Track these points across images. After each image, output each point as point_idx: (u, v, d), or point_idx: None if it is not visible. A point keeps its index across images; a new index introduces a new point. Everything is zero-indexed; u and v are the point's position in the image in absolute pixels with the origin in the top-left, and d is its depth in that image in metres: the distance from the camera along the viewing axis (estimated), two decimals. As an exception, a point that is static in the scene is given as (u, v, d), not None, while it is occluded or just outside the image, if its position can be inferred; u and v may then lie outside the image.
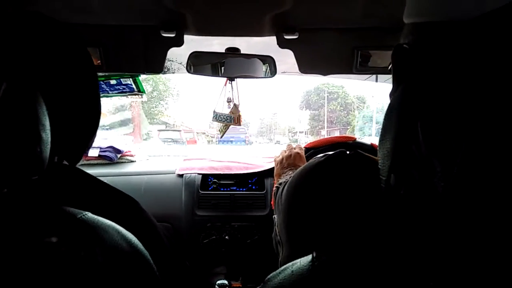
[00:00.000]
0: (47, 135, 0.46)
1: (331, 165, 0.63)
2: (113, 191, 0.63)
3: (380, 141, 0.43)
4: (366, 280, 0.37)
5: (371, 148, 1.31)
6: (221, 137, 1.51)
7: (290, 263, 0.46)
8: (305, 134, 44.79)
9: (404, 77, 0.43)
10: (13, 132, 0.42)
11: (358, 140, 1.34)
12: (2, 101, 0.41)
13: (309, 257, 0.43)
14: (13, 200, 0.45)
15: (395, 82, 0.47)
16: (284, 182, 0.82)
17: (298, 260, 0.45)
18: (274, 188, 0.99)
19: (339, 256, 0.42)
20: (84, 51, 0.60)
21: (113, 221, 0.49)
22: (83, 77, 0.60)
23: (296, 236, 0.67)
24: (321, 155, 0.68)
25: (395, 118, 0.40)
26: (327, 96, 39.38)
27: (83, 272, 0.41)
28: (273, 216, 0.95)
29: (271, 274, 0.47)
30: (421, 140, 0.35)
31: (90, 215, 0.47)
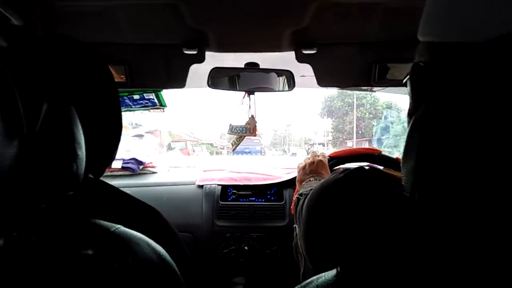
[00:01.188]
0: (82, 152, 0.49)
1: (349, 182, 0.63)
2: (137, 202, 0.66)
3: (403, 158, 0.43)
4: None
5: (396, 162, 1.30)
6: (233, 150, 1.53)
7: (315, 277, 0.47)
8: (325, 145, 40.61)
9: (423, 95, 0.43)
10: (52, 150, 0.44)
11: (383, 153, 1.33)
12: (44, 121, 0.43)
13: (334, 271, 0.45)
14: (51, 215, 0.47)
15: (413, 100, 0.48)
16: (305, 194, 0.83)
17: (323, 274, 0.46)
18: (295, 198, 1.00)
19: (362, 270, 0.43)
20: (106, 69, 0.63)
21: (140, 232, 0.51)
22: (106, 93, 0.63)
23: (316, 250, 0.68)
24: (341, 170, 0.68)
25: (418, 137, 0.41)
26: (355, 102, 34.65)
27: (117, 283, 0.43)
28: (294, 225, 0.96)
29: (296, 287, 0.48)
30: (444, 159, 0.36)
31: (122, 228, 0.49)
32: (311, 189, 0.78)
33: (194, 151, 20.89)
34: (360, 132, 35.06)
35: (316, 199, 0.70)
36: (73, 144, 0.47)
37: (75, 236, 0.45)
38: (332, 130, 40.16)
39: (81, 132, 0.49)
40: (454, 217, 0.36)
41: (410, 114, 0.48)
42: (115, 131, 0.65)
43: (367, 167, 0.64)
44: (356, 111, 35.19)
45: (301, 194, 0.94)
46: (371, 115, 34.27)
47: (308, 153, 1.32)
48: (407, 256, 0.41)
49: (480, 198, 0.34)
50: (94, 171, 0.64)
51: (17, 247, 0.41)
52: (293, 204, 1.05)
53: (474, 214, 0.35)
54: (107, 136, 0.64)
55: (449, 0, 0.39)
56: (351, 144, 33.12)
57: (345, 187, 0.63)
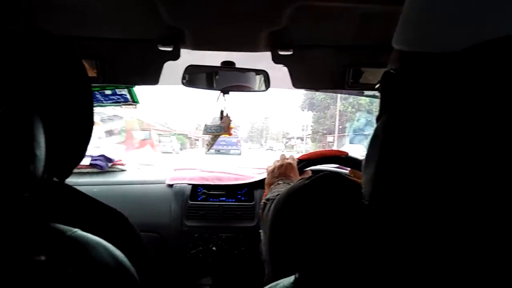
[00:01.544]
0: (41, 152, 0.47)
1: (315, 188, 0.63)
2: (99, 205, 0.64)
3: (364, 166, 0.44)
4: None
5: (361, 163, 1.33)
6: (207, 150, 1.52)
7: (274, 283, 0.48)
8: (304, 140, 38.02)
9: (389, 103, 0.44)
10: (6, 150, 0.43)
11: (350, 155, 1.36)
12: (0, 118, 0.42)
13: (292, 278, 0.45)
14: (3, 217, 0.45)
15: (380, 107, 0.48)
16: (272, 199, 0.84)
17: (281, 281, 0.47)
18: (262, 203, 1.00)
19: (319, 277, 0.43)
20: (78, 64, 0.60)
21: (100, 236, 0.50)
22: (78, 90, 0.60)
23: (279, 256, 0.68)
24: (307, 177, 0.69)
25: (378, 145, 0.41)
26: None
27: None
28: (260, 230, 0.96)
29: None
30: (401, 168, 0.36)
31: (79, 232, 0.48)
32: (278, 195, 0.78)
33: (160, 142, 19.93)
34: (341, 127, 33.00)
35: (282, 204, 0.71)
36: (31, 143, 0.45)
37: (28, 241, 0.44)
38: (313, 124, 36.87)
39: (41, 131, 0.47)
40: (408, 225, 0.37)
41: (377, 120, 0.49)
42: (85, 130, 0.63)
43: (334, 171, 0.64)
44: (340, 103, 32.93)
45: (268, 199, 0.94)
46: (353, 109, 31.92)
47: (285, 147, 1.33)
48: (363, 263, 0.42)
49: (434, 208, 0.34)
50: (59, 173, 0.61)
51: None
52: (261, 208, 1.05)
53: (427, 223, 0.35)
54: (76, 136, 0.61)
55: (423, 11, 0.40)
56: (331, 139, 31.92)
57: (310, 194, 0.64)
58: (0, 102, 0.42)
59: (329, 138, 33.01)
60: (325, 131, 35.50)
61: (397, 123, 0.38)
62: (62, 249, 0.44)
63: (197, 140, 34.10)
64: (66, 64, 0.58)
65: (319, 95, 34.85)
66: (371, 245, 0.42)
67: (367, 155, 0.43)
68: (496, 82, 0.31)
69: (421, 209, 0.35)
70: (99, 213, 0.63)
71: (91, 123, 0.63)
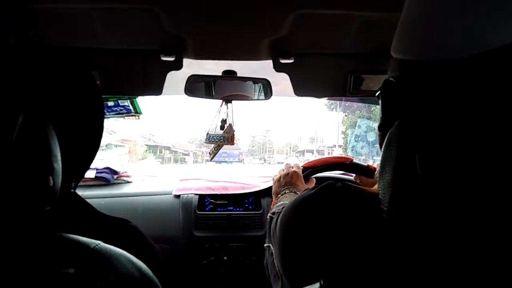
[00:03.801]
0: (58, 165, 0.47)
1: (320, 198, 0.63)
2: (110, 218, 0.64)
3: (380, 172, 0.44)
4: None
5: (367, 169, 1.32)
6: (210, 159, 1.53)
7: None
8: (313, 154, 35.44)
9: (394, 110, 0.45)
10: (27, 165, 0.43)
11: (354, 161, 1.36)
12: (18, 134, 0.41)
13: (317, 285, 0.45)
14: (28, 231, 0.45)
15: (383, 115, 0.49)
16: (277, 212, 0.83)
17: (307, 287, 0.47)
18: (268, 218, 0.99)
19: (346, 282, 0.43)
20: (89, 76, 0.62)
21: (119, 247, 0.50)
22: (89, 101, 0.61)
23: (293, 267, 0.68)
24: (311, 187, 0.69)
25: (394, 150, 0.41)
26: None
27: None
28: (265, 244, 0.95)
29: None
30: (419, 172, 0.37)
31: (103, 244, 0.48)
32: (283, 207, 0.78)
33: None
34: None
35: (288, 217, 0.71)
36: (50, 157, 0.46)
37: (54, 254, 0.44)
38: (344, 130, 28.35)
39: (57, 144, 0.47)
40: (432, 228, 0.37)
41: (380, 128, 0.49)
42: (95, 141, 0.64)
43: (339, 178, 0.63)
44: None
45: (273, 213, 0.93)
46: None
47: (299, 161, 1.34)
48: (388, 267, 0.42)
49: (455, 208, 0.35)
50: (70, 184, 0.61)
51: None
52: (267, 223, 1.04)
53: (450, 225, 0.36)
54: (87, 147, 0.62)
55: (421, 21, 0.41)
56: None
57: (316, 203, 0.64)
58: (17, 112, 0.42)
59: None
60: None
61: (411, 128, 0.39)
62: (89, 262, 0.44)
63: (187, 154, 32.46)
64: (74, 75, 0.59)
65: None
66: (392, 248, 0.43)
67: (383, 161, 0.44)
68: (500, 88, 0.32)
69: (442, 211, 0.36)
70: (112, 224, 0.63)
71: (101, 132, 0.65)
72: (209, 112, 1.39)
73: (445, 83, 0.36)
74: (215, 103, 1.36)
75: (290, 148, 48.88)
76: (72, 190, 0.62)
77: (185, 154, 32.45)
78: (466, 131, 0.34)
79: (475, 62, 0.34)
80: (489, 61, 0.33)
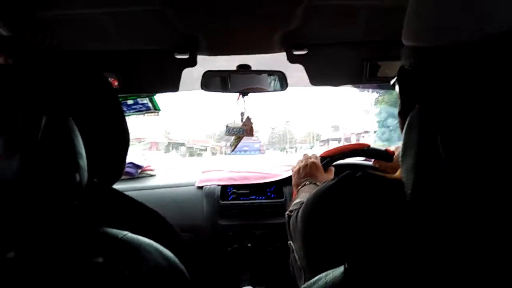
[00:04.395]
0: (84, 162, 0.49)
1: (341, 188, 0.64)
2: (141, 207, 0.66)
3: (402, 156, 0.44)
4: (395, 286, 0.40)
5: (385, 153, 1.31)
6: (232, 150, 1.54)
7: (323, 274, 0.49)
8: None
9: (413, 96, 0.44)
10: (54, 162, 0.45)
11: (372, 146, 1.35)
12: (43, 134, 0.43)
13: (341, 268, 0.46)
14: (59, 225, 0.47)
15: (402, 101, 0.49)
16: (296, 209, 0.84)
17: (331, 271, 0.48)
18: (286, 216, 1.00)
19: (370, 266, 0.44)
20: (101, 77, 0.64)
21: (147, 237, 0.52)
22: (105, 100, 0.63)
23: (317, 260, 0.69)
24: (330, 179, 0.69)
25: (416, 134, 0.41)
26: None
27: None
28: (289, 242, 0.96)
29: (305, 285, 0.50)
30: (442, 155, 0.37)
31: (130, 234, 0.50)
32: (302, 203, 0.79)
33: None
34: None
35: (310, 209, 0.71)
36: (75, 155, 0.47)
37: (84, 245, 0.46)
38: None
39: (81, 142, 0.49)
40: (456, 211, 0.37)
41: (401, 114, 0.49)
42: (121, 136, 0.66)
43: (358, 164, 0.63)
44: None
45: (291, 211, 0.94)
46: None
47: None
48: (412, 250, 0.43)
49: (479, 189, 0.35)
50: (108, 178, 0.65)
51: (28, 258, 0.43)
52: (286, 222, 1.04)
53: (475, 207, 0.36)
54: (114, 142, 0.64)
55: (430, 5, 0.40)
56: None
57: (337, 194, 0.64)
58: (41, 114, 0.44)
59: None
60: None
61: (432, 112, 0.39)
62: (117, 252, 0.46)
63: (204, 150, 32.19)
64: (89, 77, 0.61)
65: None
66: (418, 232, 0.43)
67: (404, 145, 0.44)
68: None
69: (466, 193, 0.36)
70: (141, 214, 0.65)
71: (125, 128, 0.67)
72: (227, 106, 1.40)
73: (462, 66, 0.36)
74: (233, 97, 1.37)
75: (313, 137, 47.31)
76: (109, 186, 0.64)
77: (202, 150, 32.20)
78: (487, 112, 0.34)
79: (492, 43, 0.34)
80: (503, 43, 0.33)
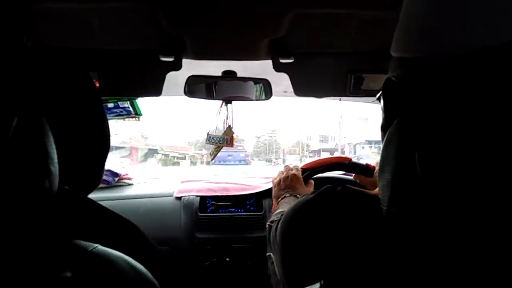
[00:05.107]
0: (55, 168, 0.46)
1: (320, 202, 0.64)
2: (115, 217, 0.64)
3: (379, 171, 0.44)
4: None
5: (366, 168, 1.32)
6: (211, 160, 1.53)
7: None
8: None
9: (397, 109, 0.45)
10: (22, 167, 0.42)
11: (353, 161, 1.35)
12: (13, 136, 0.41)
13: (317, 285, 0.45)
14: (25, 234, 0.45)
15: (386, 115, 0.49)
16: (276, 220, 0.83)
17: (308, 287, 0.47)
18: (267, 226, 0.99)
19: (346, 280, 0.44)
20: (85, 77, 0.62)
21: (119, 250, 0.50)
22: (87, 103, 0.61)
23: (295, 273, 0.68)
24: (310, 192, 0.69)
25: (393, 150, 0.41)
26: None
27: None
28: (268, 253, 0.95)
29: None
30: (418, 171, 0.36)
31: (100, 247, 0.48)
32: (282, 215, 0.78)
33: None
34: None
35: (288, 222, 0.71)
36: (46, 160, 0.45)
37: (52, 258, 0.44)
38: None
39: (53, 146, 0.47)
40: (431, 228, 0.37)
41: (383, 128, 0.49)
42: (101, 142, 0.64)
43: (338, 178, 0.63)
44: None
45: (272, 222, 0.94)
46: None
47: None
48: (387, 266, 0.43)
49: (455, 206, 0.35)
50: (83, 187, 0.63)
51: None
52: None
53: (450, 224, 0.36)
54: (92, 148, 0.62)
55: (422, 17, 0.41)
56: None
57: (315, 208, 0.64)
58: (12, 114, 0.42)
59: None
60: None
61: (410, 127, 0.39)
62: (86, 265, 0.44)
63: (183, 158, 30.14)
64: (70, 76, 0.59)
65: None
66: (393, 246, 0.43)
67: (382, 161, 0.44)
68: (500, 86, 0.33)
69: (442, 210, 0.36)
70: (114, 225, 0.63)
71: (106, 132, 0.65)
72: (211, 113, 1.39)
73: (445, 80, 0.36)
74: (217, 104, 1.36)
75: (302, 148, 45.57)
76: (85, 195, 0.62)
77: (180, 158, 30.22)
78: (466, 129, 0.34)
79: (475, 58, 0.34)
80: (489, 58, 0.33)
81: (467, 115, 0.34)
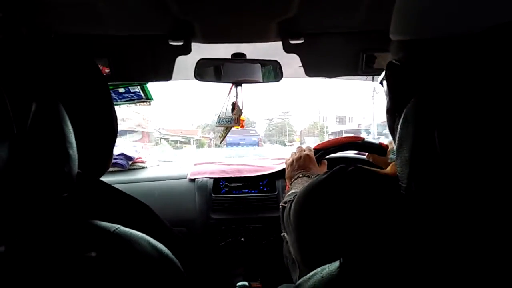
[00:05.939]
0: (74, 152, 0.47)
1: (333, 182, 0.64)
2: (131, 200, 0.65)
3: (397, 150, 0.44)
4: (392, 281, 0.40)
5: (379, 147, 1.31)
6: (220, 142, 1.54)
7: (319, 269, 0.48)
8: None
9: (404, 92, 0.44)
10: (43, 152, 0.43)
11: (366, 139, 1.34)
12: (32, 121, 0.42)
13: (337, 263, 0.46)
14: (50, 218, 0.46)
15: (392, 98, 0.49)
16: (289, 201, 0.84)
17: (326, 266, 0.48)
18: (280, 207, 0.99)
19: (365, 259, 0.44)
20: (91, 62, 0.63)
21: (137, 230, 0.51)
22: (95, 87, 0.62)
23: (311, 253, 0.69)
24: (322, 173, 0.69)
25: (412, 128, 0.41)
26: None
27: (122, 283, 0.43)
28: (282, 233, 0.96)
29: (301, 280, 0.50)
30: (438, 148, 0.37)
31: (122, 228, 0.49)
32: (295, 195, 0.78)
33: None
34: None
35: (302, 203, 0.72)
36: (64, 144, 0.46)
37: (76, 239, 0.45)
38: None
39: (71, 131, 0.48)
40: (452, 204, 0.37)
41: (390, 111, 0.49)
42: (109, 127, 0.65)
43: (351, 158, 0.63)
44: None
45: (285, 202, 0.94)
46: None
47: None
48: (408, 243, 0.43)
49: (475, 182, 0.35)
50: (94, 171, 0.64)
51: (20, 253, 0.41)
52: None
53: (471, 200, 0.36)
54: (101, 133, 0.64)
55: (418, 0, 0.41)
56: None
57: (328, 188, 0.65)
58: (30, 100, 0.42)
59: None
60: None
61: (428, 106, 0.39)
62: (110, 245, 0.46)
63: (186, 142, 28.90)
64: (79, 63, 0.61)
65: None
66: (413, 225, 0.43)
67: (400, 139, 0.44)
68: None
69: (462, 186, 0.36)
70: (130, 208, 0.65)
71: (113, 117, 0.66)
72: (222, 96, 1.39)
73: (457, 59, 0.36)
74: (227, 87, 1.35)
75: (321, 130, 44.22)
76: (97, 178, 0.63)
77: (183, 142, 29.04)
78: (484, 105, 0.33)
79: (487, 36, 0.34)
80: (499, 36, 0.33)
81: (484, 91, 0.34)
